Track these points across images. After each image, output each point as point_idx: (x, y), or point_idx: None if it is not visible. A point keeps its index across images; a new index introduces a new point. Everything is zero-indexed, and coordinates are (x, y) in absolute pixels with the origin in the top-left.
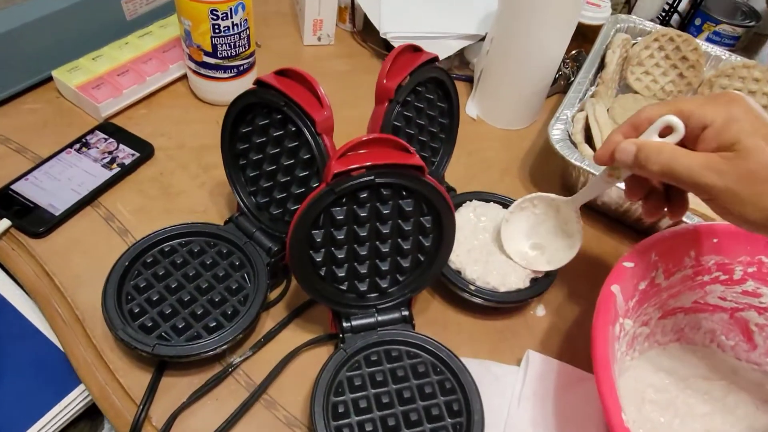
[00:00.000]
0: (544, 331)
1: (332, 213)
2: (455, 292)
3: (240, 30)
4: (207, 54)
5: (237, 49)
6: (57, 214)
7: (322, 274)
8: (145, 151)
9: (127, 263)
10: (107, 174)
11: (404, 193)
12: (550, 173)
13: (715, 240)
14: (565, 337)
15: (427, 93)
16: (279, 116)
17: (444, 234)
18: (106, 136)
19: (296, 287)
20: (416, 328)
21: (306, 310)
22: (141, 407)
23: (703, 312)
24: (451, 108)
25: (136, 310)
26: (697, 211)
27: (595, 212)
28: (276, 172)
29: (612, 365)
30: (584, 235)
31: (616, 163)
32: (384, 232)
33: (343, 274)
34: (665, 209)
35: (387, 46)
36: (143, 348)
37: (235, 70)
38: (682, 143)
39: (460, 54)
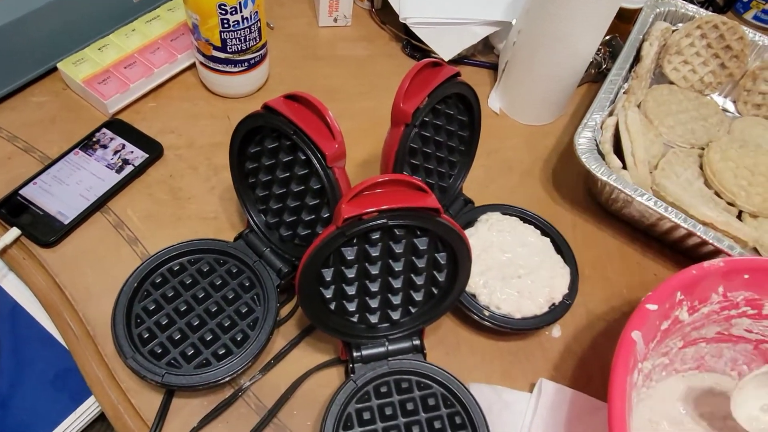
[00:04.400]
0: (559, 353)
1: (342, 252)
2: (468, 315)
3: (250, 23)
4: (216, 48)
5: (248, 43)
6: (66, 222)
7: (332, 308)
8: (154, 151)
9: (136, 284)
10: (116, 177)
11: (418, 232)
12: (574, 177)
13: (746, 276)
14: (580, 361)
15: (447, 108)
16: (288, 143)
17: (459, 269)
18: (113, 135)
19: None
20: (427, 347)
21: (316, 329)
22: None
23: (727, 342)
24: (472, 121)
25: (146, 335)
26: (729, 234)
27: (617, 221)
28: (286, 195)
29: (627, 417)
30: (606, 246)
31: None
32: (397, 269)
33: (353, 309)
34: None
35: (407, 30)
36: (153, 378)
37: (246, 63)
38: None
39: (485, 39)
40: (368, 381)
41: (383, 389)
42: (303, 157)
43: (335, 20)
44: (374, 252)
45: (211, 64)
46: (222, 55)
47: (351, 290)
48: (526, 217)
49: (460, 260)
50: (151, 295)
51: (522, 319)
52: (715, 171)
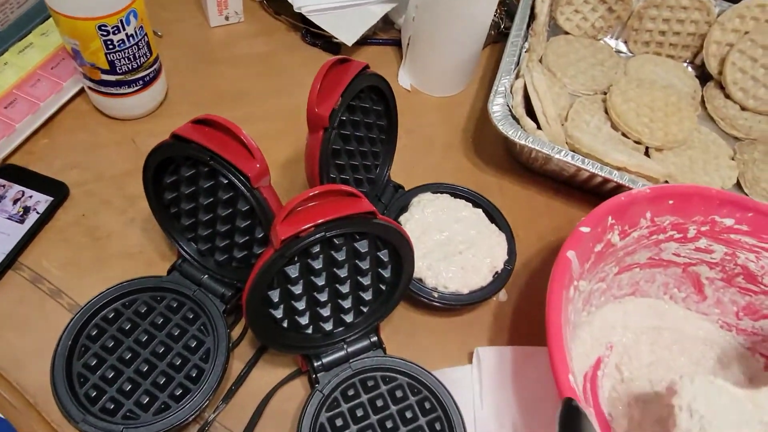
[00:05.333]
0: (509, 316)
1: (286, 272)
2: (419, 300)
3: (137, 40)
4: (105, 72)
5: (138, 61)
6: None
7: (285, 326)
8: (59, 192)
9: (70, 342)
10: (21, 229)
11: (357, 236)
12: (494, 141)
13: (671, 202)
14: (529, 317)
15: (362, 102)
16: (206, 169)
17: (403, 262)
18: (8, 183)
19: None
20: (385, 339)
21: None
22: None
23: (658, 267)
24: (387, 110)
25: (93, 393)
26: (642, 174)
27: (540, 177)
28: (214, 221)
29: (564, 328)
30: (533, 203)
31: None
32: (342, 275)
33: (306, 321)
34: None
35: (304, 18)
36: None
37: (141, 82)
38: None
39: (384, 16)
40: (334, 387)
41: (350, 392)
42: (225, 181)
43: (227, 18)
44: (317, 264)
45: (103, 89)
46: (113, 78)
47: (301, 305)
48: (456, 192)
49: (402, 254)
50: (90, 349)
51: (470, 293)
52: (619, 114)
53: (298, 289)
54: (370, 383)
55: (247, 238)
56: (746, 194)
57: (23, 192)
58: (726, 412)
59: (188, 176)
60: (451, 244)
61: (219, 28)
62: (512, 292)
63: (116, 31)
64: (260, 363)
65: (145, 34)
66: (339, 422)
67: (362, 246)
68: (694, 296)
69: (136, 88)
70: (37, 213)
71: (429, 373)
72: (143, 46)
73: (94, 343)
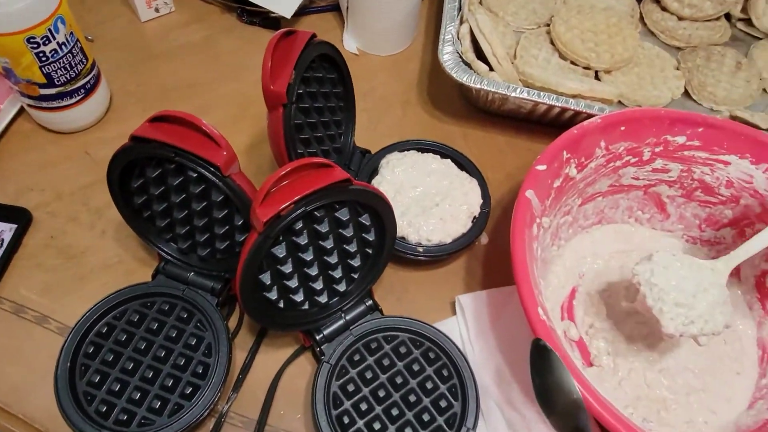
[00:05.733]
0: (492, 257)
1: (273, 253)
2: (405, 257)
3: (70, 47)
4: (43, 86)
5: (76, 69)
6: None
7: (281, 306)
8: (21, 218)
9: (68, 364)
10: None
11: (337, 206)
12: (450, 90)
13: (622, 128)
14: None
15: (315, 73)
16: (172, 165)
17: (385, 223)
18: None
19: None
20: (379, 301)
21: None
22: None
23: (620, 192)
24: (342, 76)
25: (104, 408)
26: (596, 98)
27: (500, 118)
28: (190, 217)
29: (530, 264)
30: (497, 145)
31: None
32: (328, 246)
33: (301, 298)
34: None
35: None
36: None
37: (82, 90)
38: None
39: None
40: (340, 356)
41: (356, 357)
42: (194, 175)
43: (157, 10)
44: (302, 240)
45: (44, 104)
46: (52, 91)
47: (293, 283)
48: (422, 147)
49: (382, 215)
50: (91, 366)
51: (453, 241)
52: (565, 42)
53: (288, 268)
54: (374, 345)
55: (227, 227)
56: (695, 101)
57: None
58: (684, 281)
59: (155, 177)
60: (427, 197)
61: (151, 22)
62: (492, 234)
63: (46, 42)
64: (262, 347)
65: (77, 40)
66: (351, 388)
67: (343, 214)
68: (657, 216)
69: (78, 98)
70: (3, 243)
71: (427, 324)
72: (78, 53)
73: (93, 360)
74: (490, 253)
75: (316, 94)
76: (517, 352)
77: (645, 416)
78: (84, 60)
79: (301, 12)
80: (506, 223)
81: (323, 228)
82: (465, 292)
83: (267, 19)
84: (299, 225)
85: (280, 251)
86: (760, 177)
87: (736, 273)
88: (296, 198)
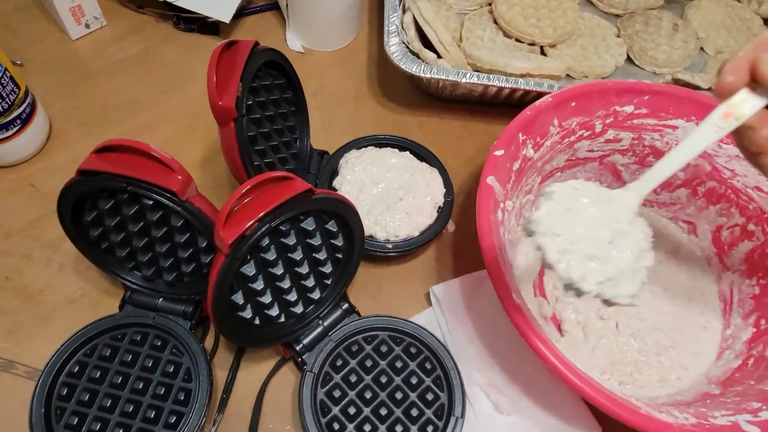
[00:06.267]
0: (460, 243)
1: (242, 273)
2: (375, 255)
3: None
4: None
5: (9, 99)
6: None
7: (258, 323)
8: None
9: (42, 409)
10: None
11: (301, 217)
12: (400, 81)
13: (573, 104)
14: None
15: (262, 81)
16: (125, 195)
17: (351, 227)
18: None
19: None
20: (354, 301)
21: None
22: None
23: (576, 166)
24: (289, 80)
25: None
26: (545, 75)
27: (453, 103)
28: (151, 244)
29: (499, 250)
30: (453, 130)
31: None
32: (298, 258)
33: (276, 312)
34: None
35: (170, 5)
36: None
37: (18, 121)
38: None
39: None
40: (322, 363)
41: (338, 363)
42: (150, 203)
43: (87, 26)
44: (270, 256)
45: None
46: None
47: (266, 298)
48: (379, 142)
49: (348, 219)
50: (66, 409)
51: (421, 234)
52: (508, 21)
53: (259, 285)
54: (354, 348)
55: (191, 250)
56: (638, 66)
57: None
58: (594, 223)
59: (108, 208)
60: (390, 193)
61: (83, 39)
62: (458, 220)
63: None
64: (243, 363)
65: (5, 69)
66: (337, 393)
67: (308, 224)
68: (614, 184)
69: (15, 129)
70: None
71: (405, 320)
72: (7, 83)
73: (68, 401)
74: (458, 240)
75: (265, 102)
76: (495, 335)
77: (621, 380)
78: (15, 89)
79: (239, 14)
80: (471, 207)
81: (290, 240)
82: (438, 281)
83: (205, 25)
84: (266, 241)
85: (249, 270)
86: None
87: (693, 230)
88: (260, 215)
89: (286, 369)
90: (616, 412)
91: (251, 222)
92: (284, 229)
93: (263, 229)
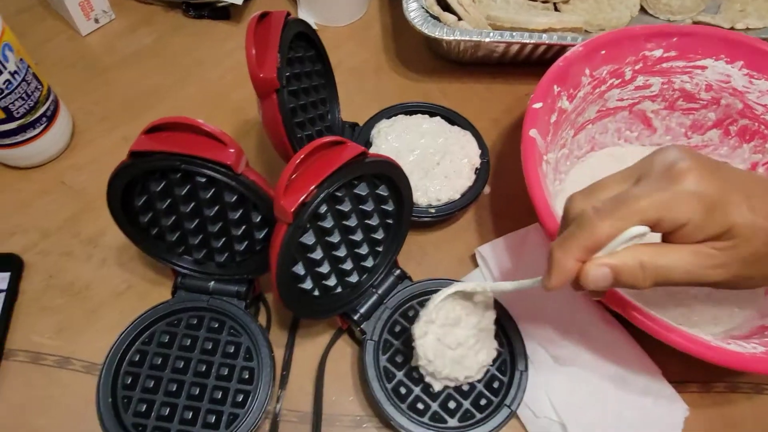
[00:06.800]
0: (497, 204)
1: (302, 243)
2: (419, 221)
3: (23, 75)
4: (2, 122)
5: (33, 97)
6: None
7: (317, 294)
8: (11, 264)
9: (109, 399)
10: None
11: (355, 182)
12: (418, 49)
13: (603, 52)
14: (513, 199)
15: (296, 53)
16: (178, 175)
17: (401, 191)
18: None
19: (277, 303)
20: (404, 267)
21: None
22: None
23: (607, 116)
24: (318, 53)
25: None
26: (566, 29)
27: (473, 66)
28: (203, 225)
29: (551, 202)
30: (478, 93)
31: (584, 288)
32: (352, 225)
33: (334, 282)
34: None
35: None
36: None
37: (44, 119)
38: None
39: None
40: (381, 331)
41: (397, 329)
42: (203, 180)
43: (97, 21)
44: (327, 223)
45: (6, 141)
46: (13, 125)
47: (325, 268)
48: (408, 109)
49: (398, 182)
50: (133, 397)
51: (462, 196)
52: None
53: (318, 254)
54: (411, 313)
55: (243, 227)
56: (652, 15)
57: None
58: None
59: (160, 190)
60: (426, 159)
61: (93, 34)
62: (492, 182)
63: None
64: (297, 339)
65: (29, 66)
66: (399, 359)
67: (362, 189)
68: (645, 132)
69: (41, 128)
70: (2, 293)
71: (456, 280)
72: (32, 80)
73: (134, 390)
74: (494, 201)
75: (300, 74)
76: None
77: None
78: (39, 86)
79: None
80: (504, 169)
81: (345, 207)
82: (481, 243)
83: (216, 10)
84: (323, 208)
85: (309, 239)
86: (737, 75)
87: None
88: (319, 181)
89: (341, 342)
90: (686, 346)
91: (310, 189)
92: (340, 195)
93: (322, 195)
